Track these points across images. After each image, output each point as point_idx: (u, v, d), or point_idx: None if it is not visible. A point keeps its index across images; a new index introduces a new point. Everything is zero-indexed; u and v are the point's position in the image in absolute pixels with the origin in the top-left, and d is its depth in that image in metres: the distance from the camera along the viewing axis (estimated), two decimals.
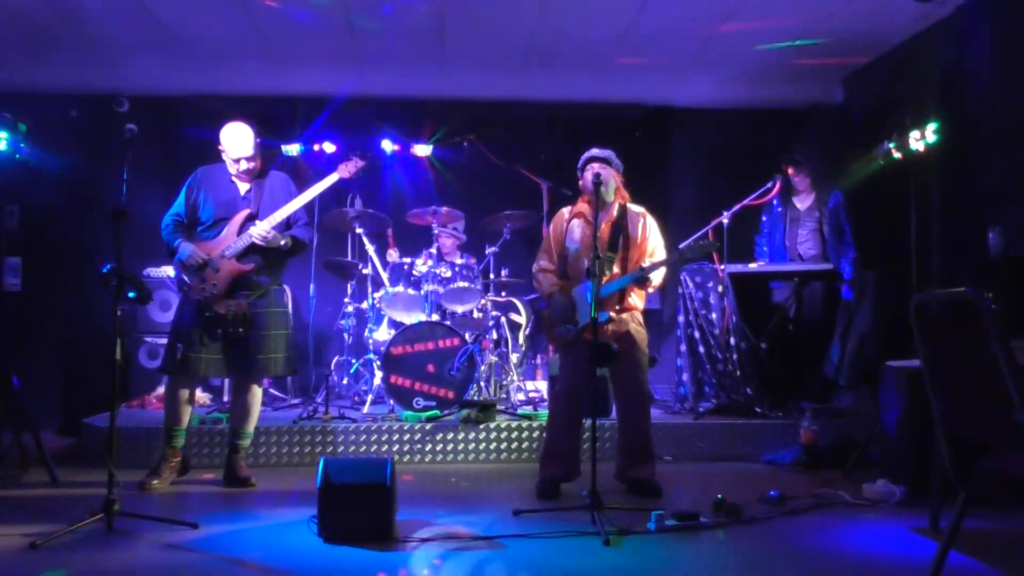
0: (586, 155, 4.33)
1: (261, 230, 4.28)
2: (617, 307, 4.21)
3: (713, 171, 7.04)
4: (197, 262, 4.26)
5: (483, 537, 3.44)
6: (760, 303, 6.10)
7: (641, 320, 4.35)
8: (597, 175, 4.02)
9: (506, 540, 3.40)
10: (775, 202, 6.12)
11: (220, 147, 4.42)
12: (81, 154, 6.59)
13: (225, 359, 4.33)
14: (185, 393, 4.41)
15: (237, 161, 4.38)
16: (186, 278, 4.29)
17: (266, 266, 4.40)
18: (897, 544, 3.43)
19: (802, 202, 6.09)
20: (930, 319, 2.66)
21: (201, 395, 5.99)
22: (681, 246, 4.29)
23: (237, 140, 4.37)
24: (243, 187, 4.45)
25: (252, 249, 4.34)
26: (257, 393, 4.49)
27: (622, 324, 4.22)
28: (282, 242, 4.35)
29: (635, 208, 4.37)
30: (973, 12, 5.27)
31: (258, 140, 4.43)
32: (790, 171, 6.00)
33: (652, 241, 4.31)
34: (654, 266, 4.13)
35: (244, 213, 4.37)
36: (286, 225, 4.44)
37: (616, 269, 4.23)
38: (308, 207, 4.53)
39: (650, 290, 4.28)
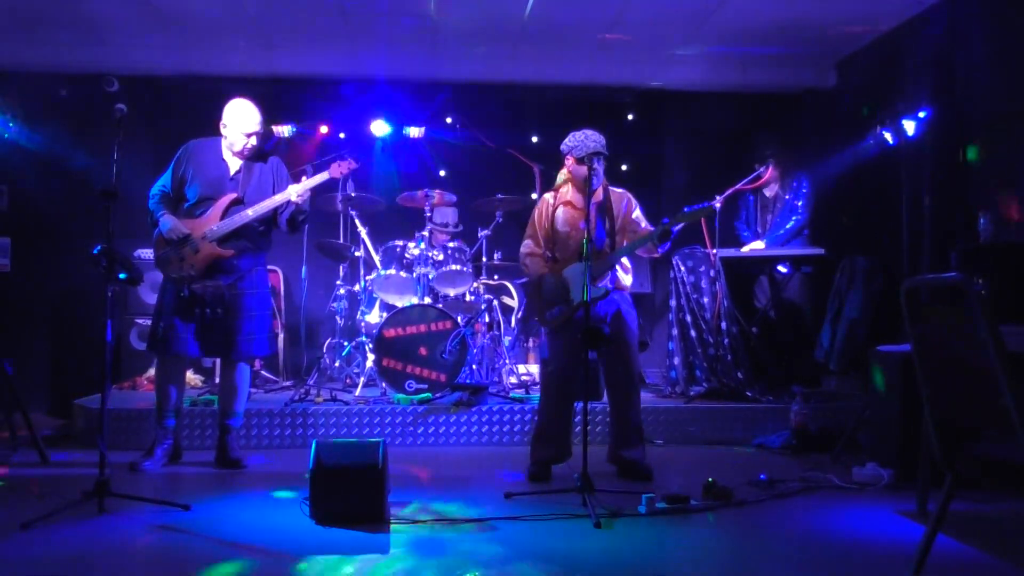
0: (588, 146, 4.16)
1: (297, 192, 4.30)
2: (610, 284, 4.22)
3: (705, 155, 7.04)
4: (177, 236, 4.23)
5: (474, 520, 3.45)
6: (752, 288, 6.12)
7: (631, 300, 4.36)
8: (595, 169, 4.08)
9: (497, 522, 3.42)
10: (749, 193, 6.13)
11: (222, 122, 4.36)
12: (70, 134, 6.53)
13: (206, 339, 4.32)
14: (172, 373, 4.40)
15: (249, 135, 4.33)
16: (163, 253, 4.25)
17: (248, 251, 4.37)
18: (885, 527, 3.45)
19: (771, 190, 6.08)
20: (920, 304, 2.67)
21: (193, 377, 5.98)
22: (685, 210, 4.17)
23: (246, 115, 4.33)
24: (233, 167, 4.38)
25: (234, 235, 4.30)
26: (243, 372, 4.47)
27: (612, 303, 4.23)
28: (301, 215, 4.40)
29: (616, 189, 4.39)
30: None
31: (263, 119, 4.41)
32: (758, 167, 5.97)
33: (636, 213, 4.34)
34: (652, 234, 4.06)
35: (230, 197, 4.31)
36: (273, 211, 4.40)
37: (605, 249, 4.23)
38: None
39: (657, 255, 4.24)
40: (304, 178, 4.38)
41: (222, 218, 4.28)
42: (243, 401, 4.51)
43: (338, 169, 4.43)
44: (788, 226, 5.88)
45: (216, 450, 4.51)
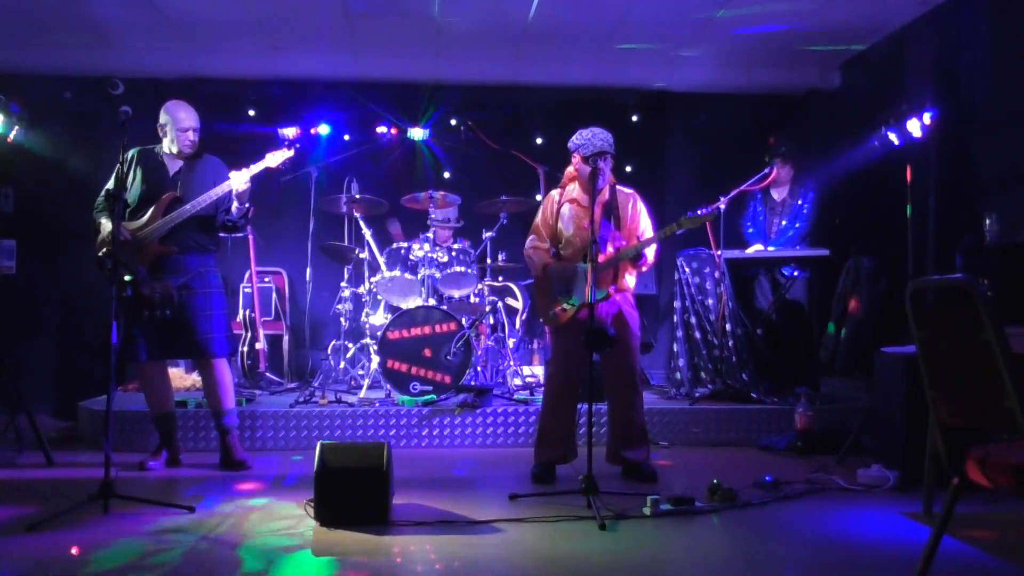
0: (594, 144, 4.13)
1: (239, 181, 4.28)
2: (612, 286, 4.21)
3: (710, 156, 7.03)
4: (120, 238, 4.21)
5: (479, 521, 3.45)
6: (753, 290, 6.10)
7: (633, 302, 4.35)
8: (601, 169, 4.04)
9: (502, 524, 3.41)
10: (758, 192, 6.11)
11: (159, 124, 4.39)
12: (76, 136, 6.56)
13: (166, 341, 4.31)
14: (149, 378, 4.43)
15: (185, 131, 4.36)
16: (105, 253, 4.20)
17: (194, 249, 4.36)
18: (890, 529, 3.45)
19: (779, 193, 6.05)
20: (925, 305, 2.66)
21: (197, 379, 5.98)
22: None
23: (182, 113, 4.38)
24: (173, 168, 4.41)
25: (176, 230, 4.29)
26: (220, 368, 4.44)
27: (614, 304, 4.22)
28: (242, 212, 4.38)
29: (625, 189, 4.36)
30: None
31: (199, 117, 4.44)
32: (776, 163, 5.96)
33: (642, 223, 4.31)
34: (648, 241, 4.12)
35: (170, 196, 4.32)
36: (214, 208, 4.39)
37: (610, 249, 4.21)
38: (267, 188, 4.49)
39: (643, 269, 4.27)
40: (243, 169, 4.39)
41: (162, 216, 4.28)
42: (230, 398, 4.49)
43: (274, 158, 4.44)
44: (789, 235, 5.86)
45: (220, 452, 4.52)
